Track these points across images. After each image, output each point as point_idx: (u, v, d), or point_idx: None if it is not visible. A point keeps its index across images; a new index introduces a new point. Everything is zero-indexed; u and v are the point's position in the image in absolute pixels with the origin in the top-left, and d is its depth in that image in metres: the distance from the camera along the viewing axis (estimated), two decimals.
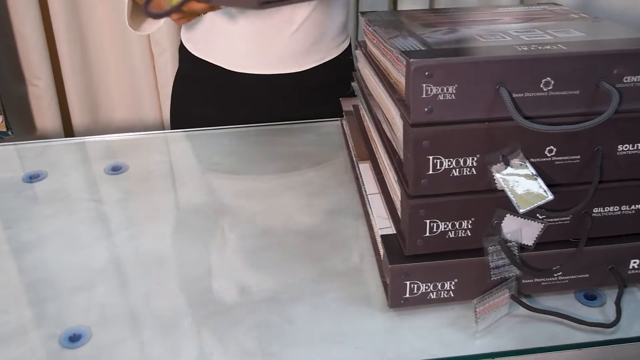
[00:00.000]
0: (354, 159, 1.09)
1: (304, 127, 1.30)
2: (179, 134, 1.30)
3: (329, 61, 1.35)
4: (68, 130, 1.88)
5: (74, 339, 0.80)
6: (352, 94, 1.20)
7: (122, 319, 0.83)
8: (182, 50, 1.38)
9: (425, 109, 0.71)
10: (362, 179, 1.01)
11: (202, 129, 1.31)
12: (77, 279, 0.90)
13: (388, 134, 0.88)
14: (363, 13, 1.05)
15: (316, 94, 1.35)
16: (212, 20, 1.25)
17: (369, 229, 0.98)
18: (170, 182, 1.14)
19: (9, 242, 0.99)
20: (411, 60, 0.70)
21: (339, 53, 1.38)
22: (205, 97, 1.37)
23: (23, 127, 1.82)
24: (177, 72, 1.43)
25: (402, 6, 2.09)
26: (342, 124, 1.28)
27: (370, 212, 0.94)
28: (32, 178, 1.16)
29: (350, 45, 1.42)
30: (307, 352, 0.77)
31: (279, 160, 1.18)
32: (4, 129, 1.66)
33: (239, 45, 1.28)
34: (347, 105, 1.25)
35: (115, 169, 1.18)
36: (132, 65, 1.83)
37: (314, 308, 0.84)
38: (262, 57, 1.29)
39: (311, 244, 0.96)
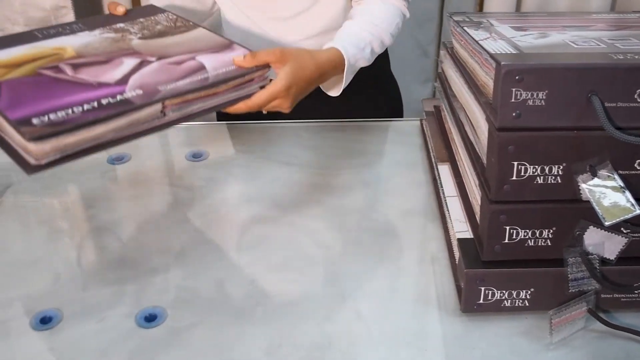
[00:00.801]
0: (433, 160, 1.08)
1: (384, 125, 1.29)
2: (258, 124, 1.32)
3: None
4: None
5: (150, 319, 0.82)
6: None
7: (197, 303, 0.84)
8: None
9: (513, 114, 0.70)
10: (440, 180, 1.00)
11: (281, 121, 1.31)
12: (155, 261, 0.92)
13: (471, 137, 0.87)
14: (451, 14, 1.04)
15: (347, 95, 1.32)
16: (237, 25, 1.24)
17: (444, 231, 0.97)
18: (249, 172, 1.15)
19: (91, 222, 1.02)
20: (502, 63, 0.68)
21: None
22: None
23: None
24: None
25: (489, 8, 2.06)
26: (422, 124, 1.27)
27: (447, 215, 0.93)
28: (116, 160, 1.20)
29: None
30: (375, 350, 0.77)
31: (357, 157, 1.18)
32: None
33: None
34: (428, 105, 1.24)
35: (196, 156, 1.20)
36: None
37: (384, 306, 0.84)
38: None
39: (385, 242, 0.96)
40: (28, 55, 0.89)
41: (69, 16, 1.60)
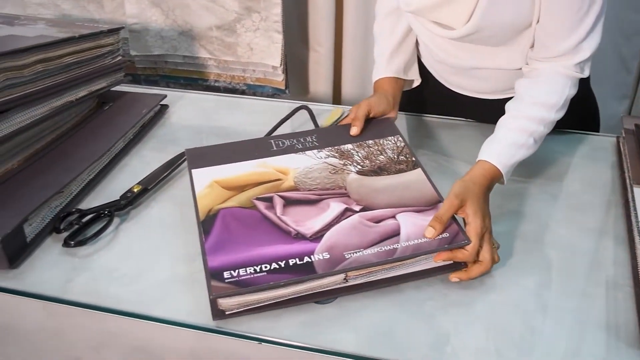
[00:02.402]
0: (628, 181, 1.03)
1: (576, 138, 1.23)
2: (443, 120, 1.31)
3: None
4: (337, 97, 1.96)
5: None
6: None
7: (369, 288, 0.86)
8: None
9: None
10: (633, 203, 0.95)
11: (469, 120, 1.30)
12: None
13: None
14: None
15: None
16: (428, 47, 1.23)
17: (631, 257, 0.92)
18: (432, 167, 1.13)
19: None
20: None
21: None
22: (430, 98, 1.35)
23: (298, 88, 1.92)
24: None
25: None
26: (618, 142, 1.20)
27: (637, 241, 0.88)
28: None
29: None
30: None
31: (545, 166, 1.14)
32: (283, 87, 1.77)
33: (449, 72, 1.26)
34: (628, 123, 1.17)
35: None
36: None
37: (556, 323, 0.81)
38: (472, 86, 1.25)
39: (564, 258, 0.93)
40: (254, 175, 1.00)
41: None
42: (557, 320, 0.82)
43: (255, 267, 0.82)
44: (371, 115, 1.12)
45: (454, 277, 0.86)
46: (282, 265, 0.82)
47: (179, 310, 0.84)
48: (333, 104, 1.90)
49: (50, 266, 0.91)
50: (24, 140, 1.06)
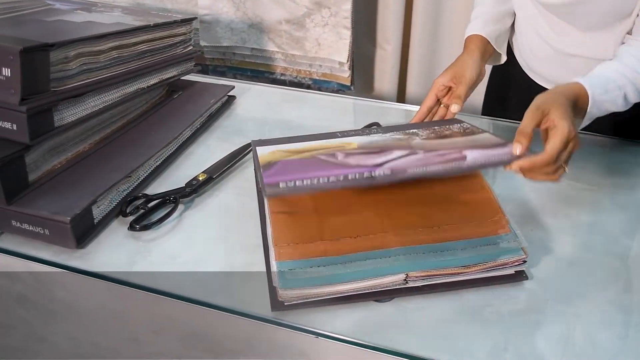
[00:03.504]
0: None
1: None
2: (514, 124, 1.29)
3: None
4: (401, 96, 1.95)
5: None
6: None
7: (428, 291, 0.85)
8: None
9: None
10: None
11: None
12: None
13: None
14: None
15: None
16: (525, 32, 1.23)
17: None
18: (490, 172, 1.12)
19: None
20: None
21: None
22: (512, 93, 1.34)
23: (363, 84, 1.92)
24: None
25: None
26: None
27: None
28: None
29: None
30: None
31: (618, 176, 1.11)
32: (348, 84, 1.78)
33: (536, 59, 1.25)
34: None
35: None
36: None
37: (619, 337, 0.80)
38: (558, 77, 1.22)
39: (634, 271, 0.91)
40: (316, 146, 0.97)
41: None
42: (619, 334, 0.80)
43: (312, 180, 0.80)
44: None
45: (515, 165, 0.84)
46: (342, 179, 0.80)
47: (238, 299, 0.85)
48: (397, 102, 1.89)
49: (115, 248, 0.93)
50: (96, 124, 1.09)
